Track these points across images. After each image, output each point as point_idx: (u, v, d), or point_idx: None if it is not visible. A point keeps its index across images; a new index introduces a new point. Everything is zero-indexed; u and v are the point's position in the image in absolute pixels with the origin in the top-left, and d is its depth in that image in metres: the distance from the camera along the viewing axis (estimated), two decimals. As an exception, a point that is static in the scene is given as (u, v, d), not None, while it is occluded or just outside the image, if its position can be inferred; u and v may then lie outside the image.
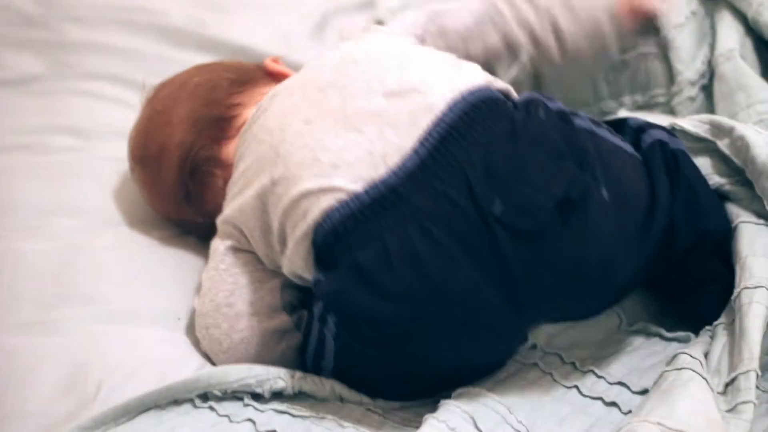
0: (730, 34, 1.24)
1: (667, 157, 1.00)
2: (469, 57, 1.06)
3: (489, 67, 1.07)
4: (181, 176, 1.11)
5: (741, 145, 1.02)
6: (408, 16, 1.13)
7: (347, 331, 0.94)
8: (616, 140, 0.99)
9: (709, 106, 1.24)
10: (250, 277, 1.03)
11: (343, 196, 0.93)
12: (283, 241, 0.97)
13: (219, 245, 1.04)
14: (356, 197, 0.92)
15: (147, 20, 1.47)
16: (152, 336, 1.03)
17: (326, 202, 0.93)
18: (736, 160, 1.03)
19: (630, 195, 0.95)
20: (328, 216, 0.93)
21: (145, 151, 1.15)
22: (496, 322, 0.92)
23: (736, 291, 0.96)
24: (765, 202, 1.00)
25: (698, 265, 1.02)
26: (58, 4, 1.47)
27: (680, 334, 1.01)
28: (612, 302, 1.02)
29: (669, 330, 1.02)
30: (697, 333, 1.00)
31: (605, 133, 0.99)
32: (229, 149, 1.09)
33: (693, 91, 1.25)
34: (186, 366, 1.00)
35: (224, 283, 1.02)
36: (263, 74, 1.17)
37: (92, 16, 1.47)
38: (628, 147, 1.00)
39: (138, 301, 1.07)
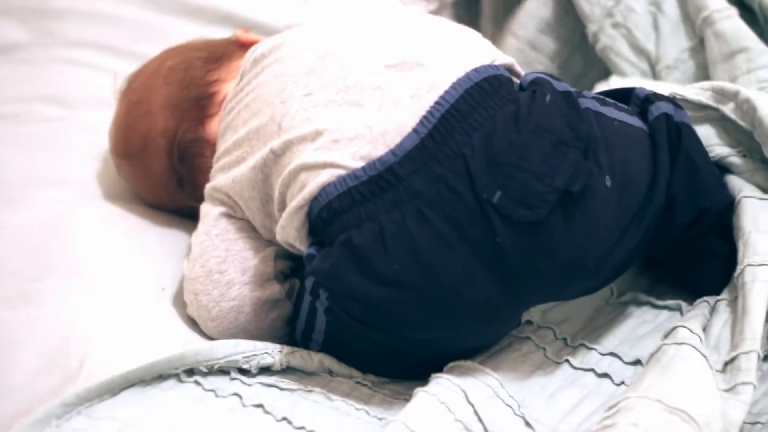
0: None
1: (670, 131, 0.98)
2: None
3: None
4: (171, 163, 1.10)
5: (747, 108, 1.00)
6: None
7: (339, 307, 0.93)
8: (623, 115, 0.97)
9: (698, 73, 1.20)
10: (243, 244, 1.01)
11: (341, 172, 0.91)
12: (283, 209, 0.96)
13: (211, 210, 1.03)
14: (354, 174, 0.90)
15: (131, -14, 1.45)
16: (136, 309, 1.02)
17: (324, 177, 0.91)
18: (742, 124, 1.01)
19: (633, 177, 0.93)
20: (324, 191, 0.91)
21: (129, 145, 1.13)
22: (489, 311, 0.91)
23: (739, 268, 0.94)
24: None
25: (697, 240, 1.01)
26: (41, -31, 1.45)
27: (671, 302, 1.01)
28: (607, 282, 1.00)
29: (658, 299, 1.01)
30: (688, 301, 0.99)
31: (612, 111, 0.97)
32: (213, 126, 1.08)
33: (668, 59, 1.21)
34: (171, 340, 0.98)
35: (216, 249, 1.01)
36: (236, 47, 1.15)
37: (76, -18, 1.45)
38: (635, 121, 0.98)
39: (122, 273, 1.05)
